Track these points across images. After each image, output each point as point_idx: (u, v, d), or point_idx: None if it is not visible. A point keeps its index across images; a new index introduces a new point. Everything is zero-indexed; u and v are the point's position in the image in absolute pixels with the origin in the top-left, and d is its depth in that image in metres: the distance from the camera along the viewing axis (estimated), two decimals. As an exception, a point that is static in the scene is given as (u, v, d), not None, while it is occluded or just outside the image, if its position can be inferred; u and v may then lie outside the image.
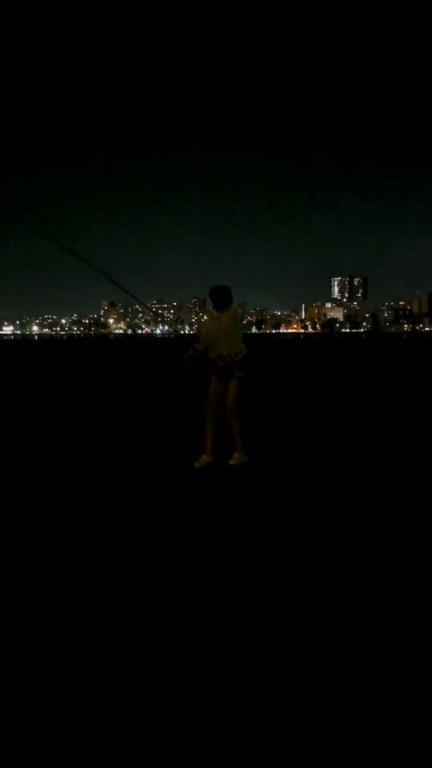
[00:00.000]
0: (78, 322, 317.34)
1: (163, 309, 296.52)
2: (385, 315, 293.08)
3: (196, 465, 4.51)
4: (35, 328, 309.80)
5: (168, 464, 4.66)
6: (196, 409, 4.78)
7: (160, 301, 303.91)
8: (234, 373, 4.47)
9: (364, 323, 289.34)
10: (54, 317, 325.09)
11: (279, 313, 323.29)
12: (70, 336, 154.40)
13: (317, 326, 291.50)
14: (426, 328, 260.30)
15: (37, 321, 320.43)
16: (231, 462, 4.52)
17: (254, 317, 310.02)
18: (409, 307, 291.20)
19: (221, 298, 4.55)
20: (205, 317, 4.88)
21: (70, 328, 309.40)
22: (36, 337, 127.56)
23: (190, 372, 4.45)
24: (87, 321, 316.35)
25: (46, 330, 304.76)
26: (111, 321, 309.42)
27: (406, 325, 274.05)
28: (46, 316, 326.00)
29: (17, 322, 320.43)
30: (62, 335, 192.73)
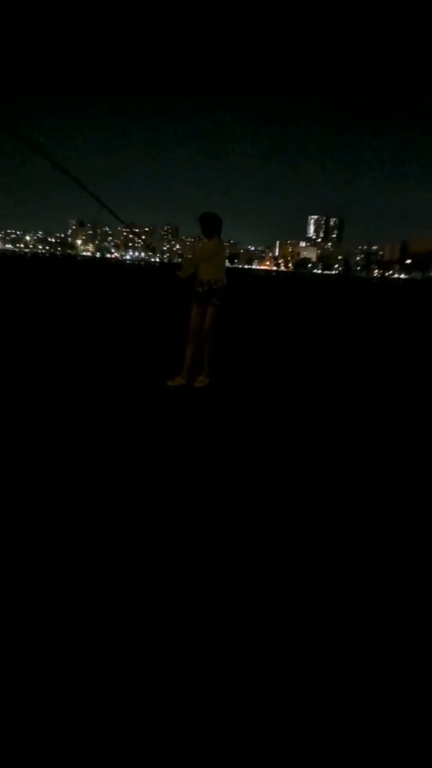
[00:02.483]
0: (43, 240, 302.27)
1: (134, 234, 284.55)
2: (357, 259, 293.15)
3: (169, 383, 4.71)
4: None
5: (144, 380, 4.88)
6: (177, 334, 5.13)
7: (131, 224, 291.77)
8: (211, 300, 4.63)
9: (337, 266, 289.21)
10: (18, 233, 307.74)
11: (253, 249, 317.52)
12: (35, 254, 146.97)
13: (290, 265, 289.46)
14: (395, 275, 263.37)
15: (0, 235, 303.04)
16: (196, 384, 4.74)
17: (227, 251, 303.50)
18: (381, 253, 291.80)
19: (209, 224, 4.60)
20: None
21: (34, 246, 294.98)
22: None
23: (181, 285, 4.70)
24: (53, 240, 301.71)
25: (9, 246, 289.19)
26: (79, 242, 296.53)
27: (376, 271, 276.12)
28: (9, 231, 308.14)
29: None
30: (26, 253, 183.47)
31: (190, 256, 4.65)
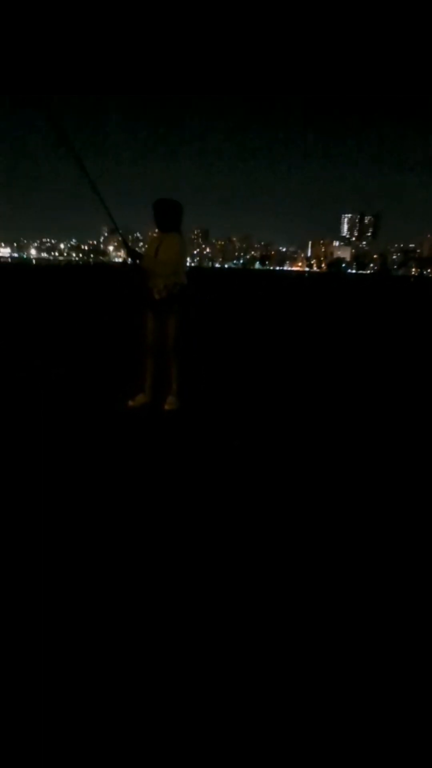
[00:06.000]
0: (76, 248, 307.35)
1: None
2: (394, 257, 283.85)
3: (130, 403, 4.06)
4: (33, 252, 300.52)
5: (103, 398, 4.26)
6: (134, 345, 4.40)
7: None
8: (172, 307, 3.84)
9: (372, 264, 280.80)
10: (52, 241, 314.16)
11: (284, 249, 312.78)
12: (68, 263, 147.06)
13: (323, 265, 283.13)
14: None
15: (35, 244, 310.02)
16: (165, 407, 4.02)
17: (258, 252, 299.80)
18: (419, 250, 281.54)
19: (165, 214, 3.76)
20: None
21: (68, 254, 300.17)
22: (34, 261, 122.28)
23: (138, 283, 3.95)
24: (86, 247, 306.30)
25: (44, 254, 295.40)
26: (111, 248, 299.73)
27: (413, 269, 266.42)
28: (44, 240, 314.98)
29: (14, 244, 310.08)
30: (60, 261, 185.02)
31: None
